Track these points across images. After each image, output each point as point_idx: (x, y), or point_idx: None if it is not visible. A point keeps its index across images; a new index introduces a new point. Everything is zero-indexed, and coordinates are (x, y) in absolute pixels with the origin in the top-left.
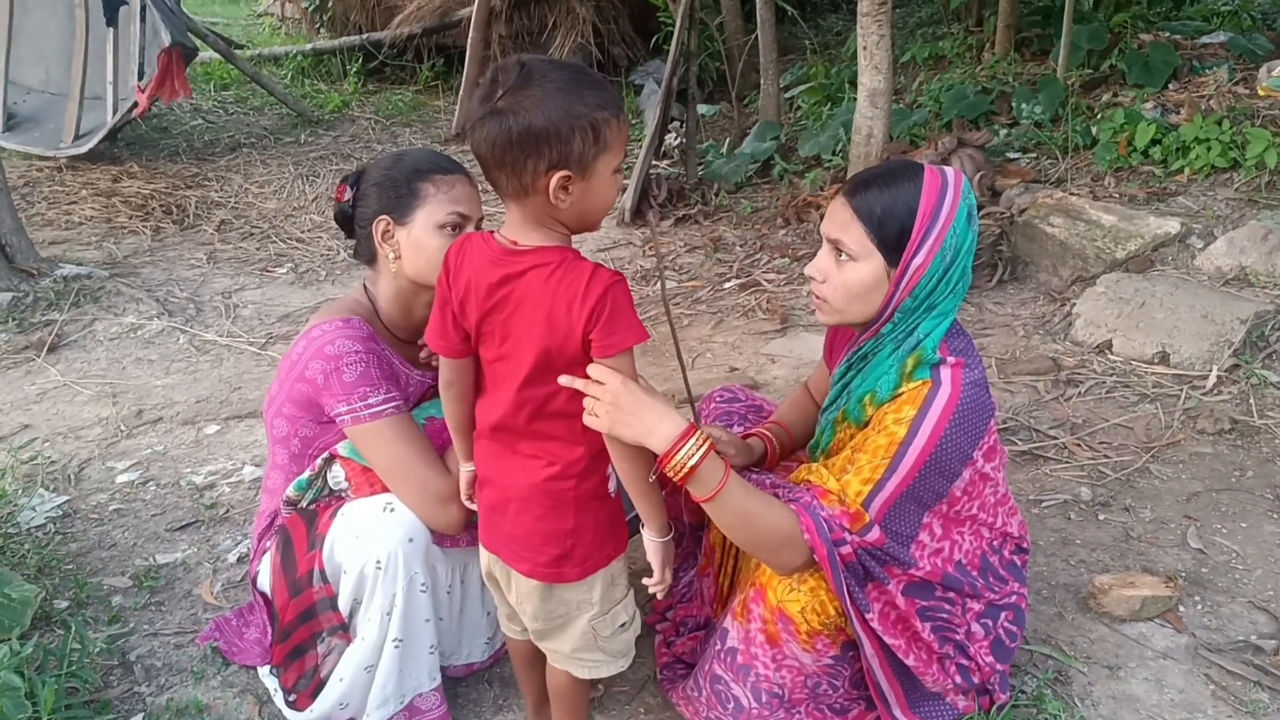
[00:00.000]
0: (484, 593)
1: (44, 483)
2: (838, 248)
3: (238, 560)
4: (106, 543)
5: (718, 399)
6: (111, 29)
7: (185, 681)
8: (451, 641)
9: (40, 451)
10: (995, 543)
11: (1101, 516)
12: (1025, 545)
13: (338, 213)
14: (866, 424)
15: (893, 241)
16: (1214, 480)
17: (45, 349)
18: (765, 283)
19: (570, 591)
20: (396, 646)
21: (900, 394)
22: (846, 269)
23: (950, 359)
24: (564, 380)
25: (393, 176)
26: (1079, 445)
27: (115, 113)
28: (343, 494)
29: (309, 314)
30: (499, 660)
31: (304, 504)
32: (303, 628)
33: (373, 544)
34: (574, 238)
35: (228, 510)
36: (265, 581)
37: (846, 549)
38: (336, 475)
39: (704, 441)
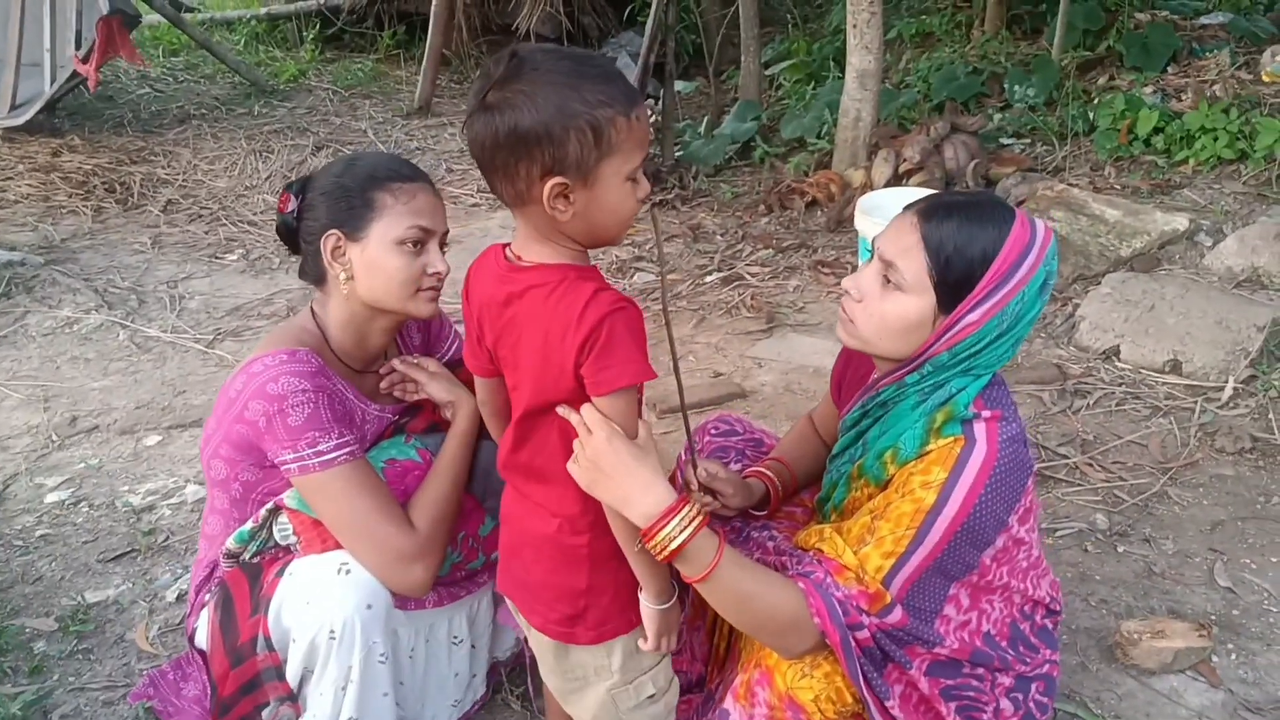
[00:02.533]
0: (451, 652)
1: None
2: (888, 271)
3: (177, 599)
4: (31, 575)
5: (713, 430)
6: None
7: None
8: (415, 705)
9: None
10: (1026, 608)
11: (1120, 548)
12: (1057, 608)
13: (280, 225)
14: (887, 483)
15: (953, 285)
16: (1237, 507)
17: None
18: (749, 276)
19: (586, 655)
20: None
21: (928, 452)
22: (891, 298)
23: (985, 412)
24: (561, 410)
25: (344, 185)
26: (1091, 465)
27: (53, 81)
28: (291, 548)
29: (261, 306)
30: None
31: (246, 556)
32: (245, 699)
33: (326, 611)
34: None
35: (167, 537)
36: (203, 639)
37: (864, 633)
38: (284, 528)
39: (693, 517)
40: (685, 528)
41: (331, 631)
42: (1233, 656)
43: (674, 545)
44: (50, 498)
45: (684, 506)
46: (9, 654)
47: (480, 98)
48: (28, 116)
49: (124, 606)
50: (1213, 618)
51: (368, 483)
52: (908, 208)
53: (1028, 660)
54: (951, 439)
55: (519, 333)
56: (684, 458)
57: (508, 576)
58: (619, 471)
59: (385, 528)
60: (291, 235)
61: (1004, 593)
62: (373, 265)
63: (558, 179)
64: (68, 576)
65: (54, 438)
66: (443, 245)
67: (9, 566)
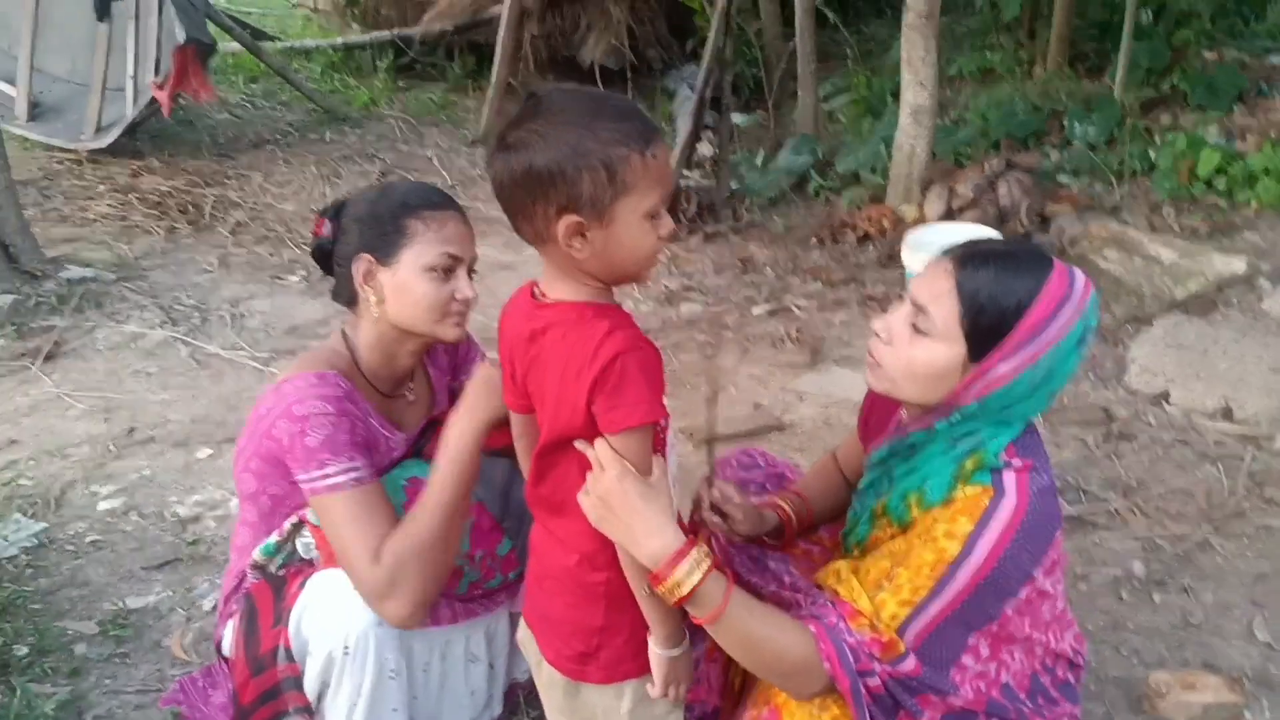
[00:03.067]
0: (468, 670)
1: (21, 507)
2: (918, 317)
3: (212, 608)
4: (79, 580)
5: (735, 464)
6: (107, 21)
7: None
8: (429, 717)
9: (22, 472)
10: (1048, 661)
11: (1157, 598)
12: (1080, 662)
13: (315, 248)
14: (910, 525)
15: (984, 334)
16: None
17: (41, 357)
18: (796, 309)
19: (596, 695)
20: None
21: (954, 499)
22: (919, 343)
23: (1016, 461)
24: (579, 444)
25: (377, 211)
26: (1132, 511)
27: (135, 105)
28: (314, 561)
29: (317, 327)
30: None
31: (272, 569)
32: (264, 708)
33: (341, 625)
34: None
35: (209, 548)
36: (229, 648)
37: (875, 680)
38: (307, 541)
39: (702, 560)
40: (693, 571)
41: (346, 646)
42: (1267, 714)
43: (683, 589)
44: (103, 505)
45: (693, 549)
46: (50, 655)
47: (500, 138)
48: (110, 139)
49: (163, 614)
50: (1248, 673)
51: (360, 512)
52: (945, 252)
53: (1045, 714)
54: (980, 488)
55: (541, 369)
56: (704, 482)
57: (531, 607)
58: (627, 511)
59: (356, 564)
60: (326, 258)
61: (1026, 644)
62: (403, 290)
63: (572, 217)
64: (113, 582)
65: (112, 448)
66: (471, 272)
67: (59, 570)
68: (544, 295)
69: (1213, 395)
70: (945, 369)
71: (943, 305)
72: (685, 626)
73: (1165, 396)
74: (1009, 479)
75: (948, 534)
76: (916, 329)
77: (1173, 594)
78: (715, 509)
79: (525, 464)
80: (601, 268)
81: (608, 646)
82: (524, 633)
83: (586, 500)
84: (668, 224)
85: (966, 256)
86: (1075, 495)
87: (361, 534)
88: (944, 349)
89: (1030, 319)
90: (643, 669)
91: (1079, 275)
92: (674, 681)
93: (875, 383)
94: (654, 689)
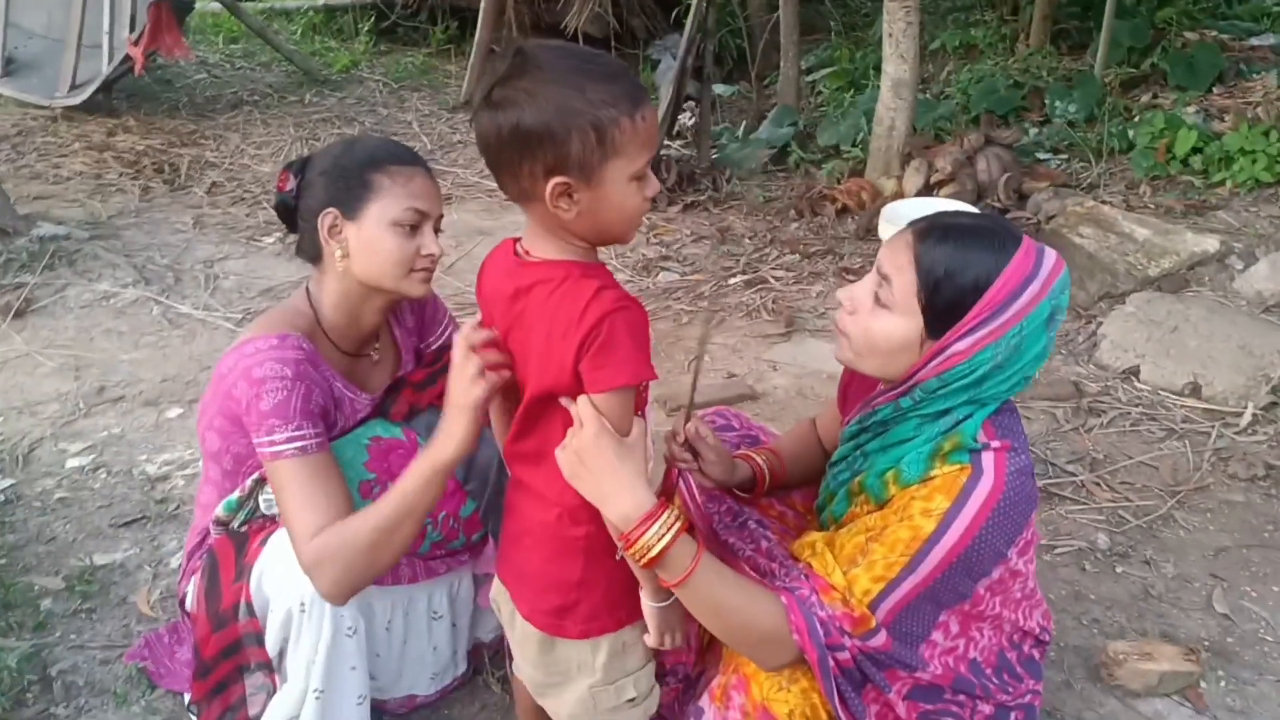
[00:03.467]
0: (431, 627)
1: None
2: (880, 287)
3: (178, 567)
4: (45, 536)
5: (710, 423)
6: None
7: (106, 704)
8: (391, 675)
9: None
10: (1015, 638)
11: (1119, 569)
12: (1046, 639)
13: (279, 203)
14: (887, 502)
15: (941, 310)
16: (1244, 534)
17: (11, 314)
18: (773, 280)
19: (571, 649)
20: (317, 698)
21: (932, 478)
22: (879, 315)
23: (994, 442)
24: (563, 401)
25: (343, 165)
26: (1098, 484)
27: (110, 63)
28: (275, 518)
29: (291, 289)
30: (446, 698)
31: (235, 525)
32: (225, 662)
33: (298, 583)
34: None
35: (178, 506)
36: (191, 603)
37: (844, 654)
38: (269, 498)
39: (672, 523)
40: (664, 534)
41: (302, 603)
42: (1223, 684)
43: (653, 552)
44: (71, 463)
45: (663, 512)
46: (16, 610)
47: (486, 94)
48: (84, 96)
49: (129, 570)
50: (1206, 643)
51: (301, 483)
52: (911, 224)
53: (1010, 689)
54: (958, 467)
55: (526, 327)
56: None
57: (506, 564)
58: (600, 468)
59: (292, 532)
60: (290, 213)
61: (994, 621)
62: (368, 245)
63: (560, 178)
64: (80, 539)
65: (81, 405)
66: (437, 229)
67: (26, 526)
68: (528, 253)
69: (1181, 372)
70: (903, 342)
71: (901, 278)
72: None
73: (1135, 372)
74: (987, 459)
75: (924, 511)
76: (878, 300)
77: (1134, 566)
78: (688, 445)
79: (498, 421)
80: (587, 228)
81: (585, 601)
82: (498, 590)
83: (562, 455)
84: (654, 185)
85: (928, 230)
86: (1043, 468)
87: (300, 506)
88: (900, 322)
89: (990, 296)
90: (618, 623)
91: (1049, 254)
92: (667, 630)
93: (841, 354)
94: (650, 638)
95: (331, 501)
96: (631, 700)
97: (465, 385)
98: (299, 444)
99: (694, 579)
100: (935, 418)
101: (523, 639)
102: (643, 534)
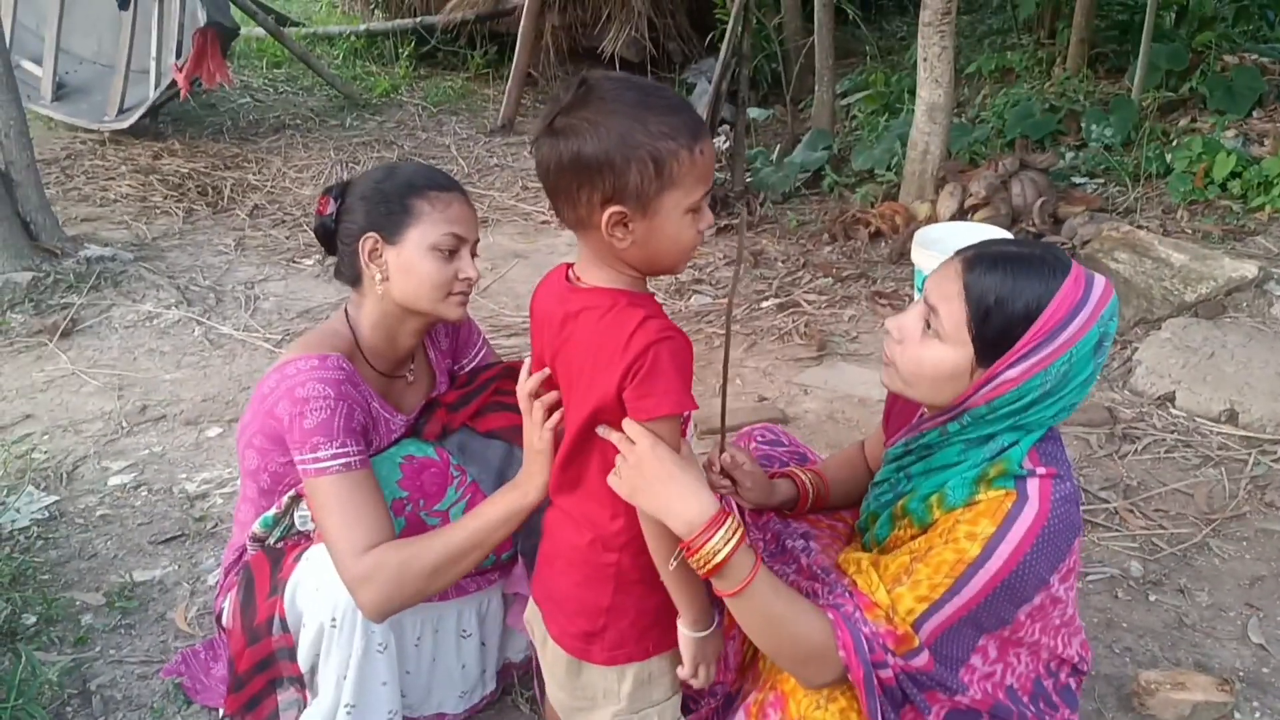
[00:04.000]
0: (460, 645)
1: (34, 480)
2: (929, 316)
3: (216, 582)
4: (87, 552)
5: (759, 437)
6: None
7: (143, 719)
8: (420, 692)
9: (36, 445)
10: (1053, 665)
11: (1152, 597)
12: (1084, 668)
13: (318, 226)
14: (931, 526)
15: (992, 339)
16: None
17: (58, 334)
18: (805, 304)
19: (598, 675)
20: (349, 713)
21: (977, 502)
22: (929, 344)
23: (1040, 469)
24: (601, 430)
25: (384, 190)
26: (1131, 511)
27: (157, 88)
28: (310, 534)
29: (330, 310)
30: (474, 718)
31: (271, 541)
32: (259, 676)
33: (331, 598)
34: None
35: (216, 524)
36: (227, 619)
37: (887, 672)
38: (304, 514)
39: (735, 530)
40: (729, 540)
41: (333, 619)
42: (1257, 715)
43: (718, 559)
44: (113, 480)
45: (727, 519)
46: (57, 624)
47: (548, 122)
48: (132, 120)
49: (168, 587)
50: (1240, 674)
51: (345, 499)
52: (959, 253)
53: (1046, 718)
54: (1003, 492)
55: (572, 352)
56: (714, 451)
57: (540, 585)
58: (662, 478)
59: (335, 550)
60: (329, 236)
61: (1033, 648)
62: (408, 268)
63: (616, 208)
64: (120, 555)
65: (124, 424)
66: (474, 253)
67: (69, 541)
68: (578, 279)
69: (1218, 399)
70: (954, 371)
71: (950, 308)
72: (713, 608)
73: (1170, 399)
74: (1032, 485)
75: (969, 535)
76: (928, 329)
77: (1168, 594)
78: (725, 473)
79: None
80: (640, 258)
81: (613, 627)
82: (531, 611)
83: (616, 478)
84: (708, 218)
85: (976, 258)
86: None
87: (345, 522)
88: (952, 351)
89: (1040, 324)
90: (645, 653)
91: (1098, 280)
92: (703, 662)
93: (889, 381)
94: (684, 670)
95: (375, 518)
96: None
97: (537, 431)
98: (343, 460)
99: (752, 588)
100: (981, 443)
101: (553, 661)
102: (707, 541)
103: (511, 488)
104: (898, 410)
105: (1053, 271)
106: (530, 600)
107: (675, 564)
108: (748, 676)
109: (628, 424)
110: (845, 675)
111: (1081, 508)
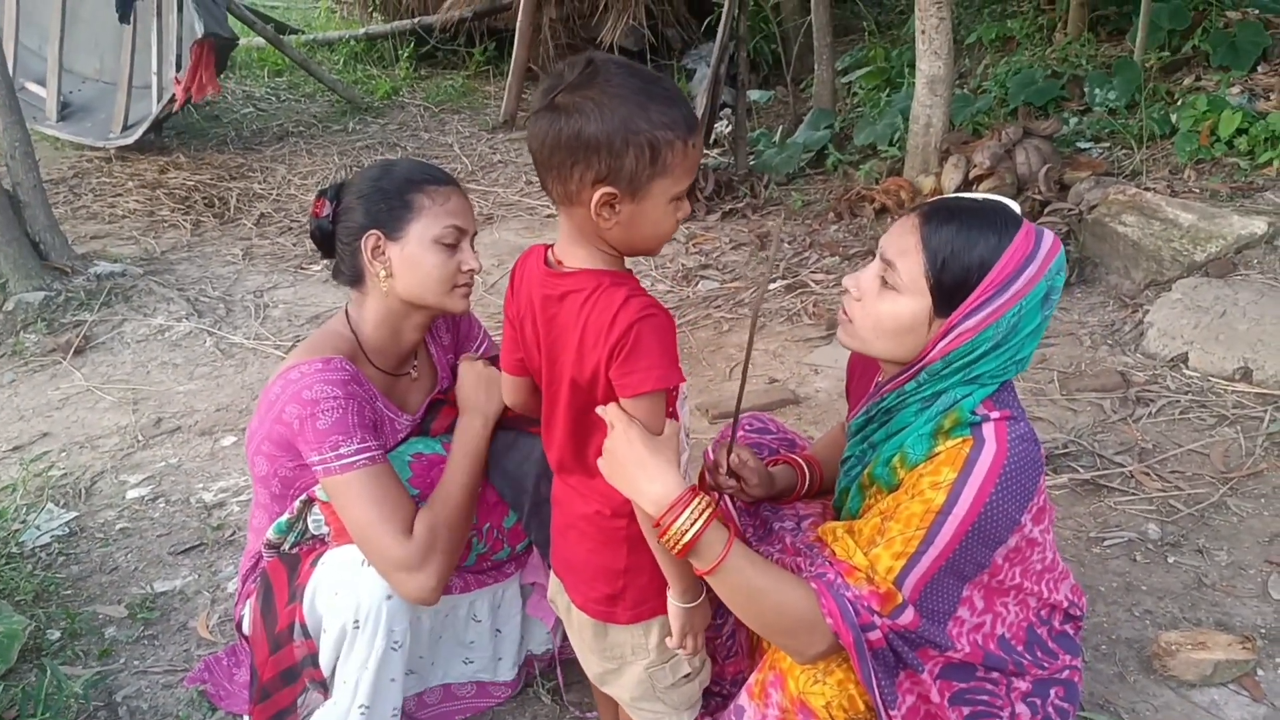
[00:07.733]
0: (468, 625)
1: (53, 497)
2: (886, 271)
3: (235, 591)
4: (108, 566)
5: (747, 427)
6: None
7: None
8: (424, 665)
9: (54, 463)
10: (1043, 613)
11: (1171, 559)
12: (1077, 612)
13: (315, 228)
14: (898, 488)
15: (949, 287)
16: None
17: (72, 351)
18: (813, 284)
19: (624, 634)
20: (363, 713)
21: (937, 454)
22: (886, 297)
23: (993, 413)
24: (599, 410)
25: (383, 188)
26: (1148, 474)
27: (159, 102)
28: (325, 538)
29: None
30: (495, 710)
31: (285, 547)
32: (286, 690)
33: (351, 600)
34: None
35: (234, 532)
36: (248, 627)
37: (875, 634)
38: (317, 519)
39: (704, 509)
40: (696, 520)
41: (356, 620)
42: (1279, 671)
43: (686, 538)
44: (131, 494)
45: (694, 498)
46: (81, 638)
47: (549, 98)
48: (136, 136)
49: (189, 596)
50: (1261, 631)
51: (379, 490)
52: (914, 209)
53: (1045, 665)
54: (960, 440)
55: (558, 336)
56: (718, 443)
57: (558, 556)
58: (631, 461)
59: (383, 539)
60: (327, 238)
61: (1018, 594)
62: (412, 263)
63: (608, 188)
64: (141, 567)
65: (139, 438)
66: (472, 244)
67: (90, 556)
68: (560, 263)
69: (1231, 358)
70: (910, 323)
71: (908, 260)
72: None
73: (1183, 359)
74: (987, 429)
75: (933, 485)
76: (885, 284)
77: (1187, 555)
78: (732, 472)
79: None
80: (620, 238)
81: (632, 586)
82: (554, 586)
83: (601, 461)
84: (686, 209)
85: (931, 212)
86: (1091, 460)
87: (387, 512)
88: (909, 303)
89: (993, 275)
90: (666, 604)
91: (1046, 234)
92: (691, 632)
93: (847, 339)
94: (671, 640)
95: (409, 505)
96: (687, 675)
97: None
98: (368, 455)
99: (726, 564)
100: (934, 400)
101: (579, 628)
102: (674, 520)
103: (464, 420)
104: (856, 380)
105: (1005, 224)
106: (551, 575)
107: (654, 540)
108: (752, 657)
109: (610, 407)
110: (837, 644)
111: (1096, 473)
